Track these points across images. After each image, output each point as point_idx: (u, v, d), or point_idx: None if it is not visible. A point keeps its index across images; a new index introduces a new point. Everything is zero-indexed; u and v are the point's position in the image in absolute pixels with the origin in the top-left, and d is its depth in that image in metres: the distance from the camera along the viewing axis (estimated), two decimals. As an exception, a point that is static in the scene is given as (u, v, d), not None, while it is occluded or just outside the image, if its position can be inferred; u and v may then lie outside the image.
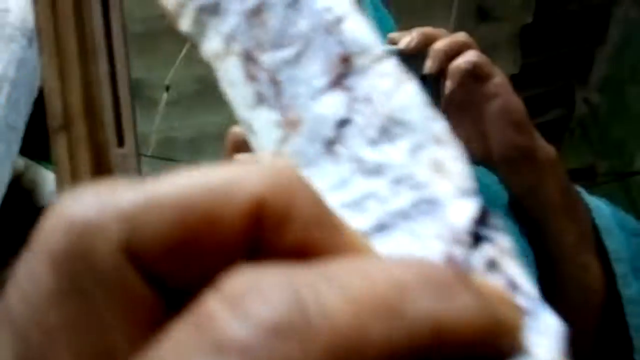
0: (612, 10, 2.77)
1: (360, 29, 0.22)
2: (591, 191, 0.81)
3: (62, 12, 0.44)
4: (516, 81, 0.71)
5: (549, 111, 3.01)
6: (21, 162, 0.63)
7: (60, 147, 0.45)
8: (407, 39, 0.67)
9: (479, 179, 0.63)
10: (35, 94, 0.56)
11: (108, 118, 0.46)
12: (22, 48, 0.53)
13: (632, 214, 0.81)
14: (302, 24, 0.21)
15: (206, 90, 2.38)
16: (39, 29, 0.44)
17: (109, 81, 0.45)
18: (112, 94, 0.45)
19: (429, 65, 0.66)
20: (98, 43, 0.45)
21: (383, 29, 0.85)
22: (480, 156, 0.71)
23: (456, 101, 0.68)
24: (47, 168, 0.61)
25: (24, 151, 0.61)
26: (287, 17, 0.22)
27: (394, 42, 0.68)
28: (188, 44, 2.05)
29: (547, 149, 0.72)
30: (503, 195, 0.77)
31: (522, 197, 0.74)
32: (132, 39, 2.14)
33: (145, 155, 2.37)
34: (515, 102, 0.69)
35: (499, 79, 0.68)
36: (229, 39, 0.22)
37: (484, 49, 0.70)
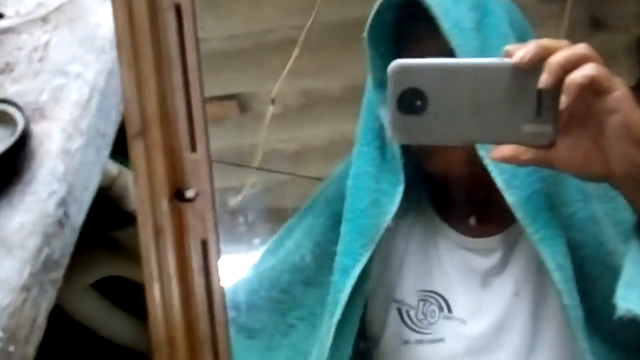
0: None
1: None
2: None
3: (139, 26, 0.47)
4: (634, 93, 0.68)
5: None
6: (114, 167, 0.68)
7: (137, 152, 0.49)
8: (522, 52, 0.65)
9: (610, 197, 0.61)
10: (125, 103, 0.60)
11: (182, 125, 0.48)
12: (112, 59, 0.57)
13: None
14: None
15: (311, 104, 2.43)
16: (118, 41, 0.48)
17: (183, 91, 0.48)
18: (185, 102, 0.48)
19: (543, 80, 0.64)
20: (172, 55, 0.48)
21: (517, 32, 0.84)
22: (600, 173, 0.68)
23: (574, 116, 0.66)
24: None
25: (117, 157, 0.65)
26: None
27: (508, 55, 0.67)
28: (293, 58, 2.11)
29: None
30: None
31: None
32: (238, 54, 2.23)
33: (252, 167, 2.43)
34: (638, 117, 0.66)
35: (619, 93, 0.65)
36: None
37: (597, 61, 0.68)
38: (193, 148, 0.49)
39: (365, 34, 0.83)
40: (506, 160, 0.69)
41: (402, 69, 0.67)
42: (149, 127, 0.48)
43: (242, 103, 2.41)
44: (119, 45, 0.48)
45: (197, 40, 0.47)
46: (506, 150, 0.68)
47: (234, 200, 2.48)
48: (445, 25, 0.79)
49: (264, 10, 2.10)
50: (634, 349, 0.76)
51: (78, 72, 0.57)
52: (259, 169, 2.35)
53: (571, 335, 0.77)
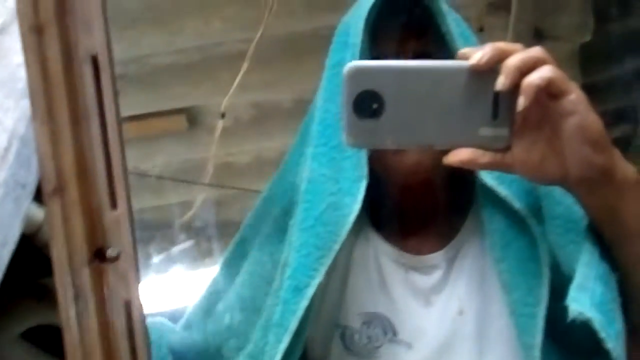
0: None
1: None
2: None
3: (53, 78, 0.44)
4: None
5: (614, 129, 2.93)
6: (40, 212, 0.65)
7: (54, 211, 0.46)
8: (479, 54, 0.64)
9: (559, 200, 0.61)
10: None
11: (101, 181, 0.46)
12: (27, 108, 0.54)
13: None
14: None
15: (261, 117, 2.41)
16: (31, 94, 0.45)
17: (102, 145, 0.46)
18: (104, 157, 0.46)
19: (501, 82, 0.63)
20: (89, 108, 0.45)
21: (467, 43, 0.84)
22: (556, 176, 0.68)
23: (530, 119, 0.66)
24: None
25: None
26: None
27: (465, 58, 0.66)
28: (243, 72, 2.08)
29: (627, 169, 0.68)
30: (584, 217, 0.74)
31: (599, 219, 0.71)
32: (188, 68, 2.20)
33: (203, 184, 2.40)
34: (593, 119, 0.65)
35: (575, 96, 0.65)
36: None
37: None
38: (113, 205, 0.46)
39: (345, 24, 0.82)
40: (464, 164, 0.68)
41: (359, 71, 0.66)
42: (65, 184, 0.45)
43: (191, 117, 2.38)
44: (32, 98, 0.45)
45: (115, 92, 0.45)
46: (463, 153, 0.67)
47: (184, 216, 2.44)
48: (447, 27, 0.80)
49: (213, 24, 2.07)
50: (579, 351, 0.76)
51: (-4, 118, 0.54)
52: (209, 185, 2.32)
53: (518, 353, 0.76)
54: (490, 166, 0.68)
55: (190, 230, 2.46)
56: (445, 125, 0.66)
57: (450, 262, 0.85)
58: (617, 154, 0.68)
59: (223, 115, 2.24)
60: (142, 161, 2.40)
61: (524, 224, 0.78)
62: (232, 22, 2.06)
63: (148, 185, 2.46)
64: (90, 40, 0.44)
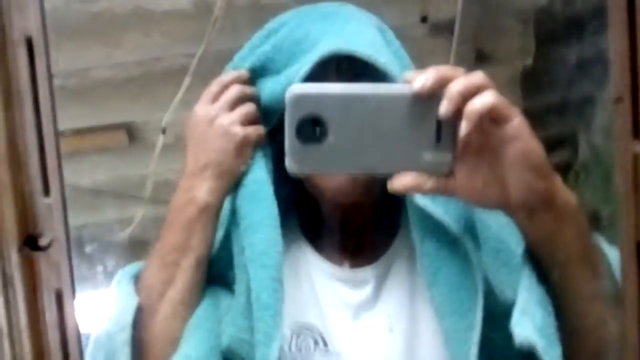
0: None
1: None
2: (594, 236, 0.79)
3: (-15, 58, 0.43)
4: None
5: (553, 154, 2.99)
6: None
7: (-17, 196, 0.44)
8: (422, 79, 0.65)
9: (490, 222, 0.61)
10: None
11: (33, 166, 0.45)
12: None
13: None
14: None
15: (203, 133, 2.39)
16: (-39, 75, 0.44)
17: (35, 128, 0.45)
18: (37, 141, 0.45)
19: (444, 108, 0.64)
20: (23, 90, 0.44)
21: (400, 62, 0.84)
22: (498, 201, 0.68)
23: (473, 144, 0.66)
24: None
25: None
26: None
27: (408, 82, 0.66)
28: (184, 88, 2.07)
29: (567, 196, 0.69)
30: (516, 239, 0.74)
31: (539, 244, 0.72)
32: (127, 82, 2.17)
33: (142, 198, 2.37)
34: (535, 145, 0.66)
35: (517, 121, 0.66)
36: None
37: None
38: (46, 191, 0.45)
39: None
40: (408, 189, 0.68)
41: (301, 96, 0.66)
42: (-4, 168, 0.44)
43: (131, 132, 2.35)
44: (-38, 78, 0.44)
45: (50, 75, 0.44)
46: (407, 179, 0.67)
47: (123, 233, 2.40)
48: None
49: (153, 38, 2.05)
50: None
51: None
52: (148, 200, 2.29)
53: (457, 355, 0.76)
54: (433, 191, 0.69)
55: (129, 246, 2.42)
56: (389, 150, 0.67)
57: (381, 278, 0.85)
58: (557, 179, 0.70)
59: (164, 131, 2.22)
60: (81, 176, 2.35)
61: (457, 247, 0.78)
62: (173, 36, 2.05)
63: (86, 200, 2.41)
64: (25, 21, 0.43)
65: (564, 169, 2.99)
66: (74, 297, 0.46)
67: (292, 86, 0.66)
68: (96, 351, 0.78)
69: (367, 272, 0.85)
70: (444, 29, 2.22)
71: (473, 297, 0.76)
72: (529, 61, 2.40)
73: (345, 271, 0.86)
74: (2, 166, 0.44)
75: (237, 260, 0.81)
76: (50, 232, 0.45)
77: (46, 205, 0.45)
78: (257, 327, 0.75)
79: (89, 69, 2.04)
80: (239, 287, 0.80)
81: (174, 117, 2.14)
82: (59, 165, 0.45)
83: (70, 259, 0.46)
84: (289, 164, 0.66)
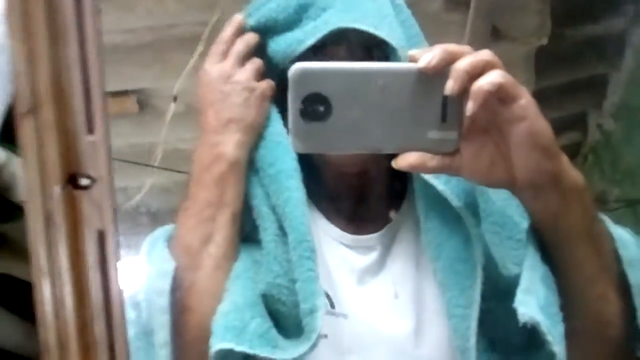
0: (628, 36, 2.76)
1: None
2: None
3: (32, -7, 0.43)
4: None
5: (562, 135, 2.99)
6: (1, 154, 0.62)
7: (27, 132, 0.44)
8: (428, 56, 0.64)
9: (494, 197, 0.61)
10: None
11: (77, 104, 0.44)
12: (1, 34, 0.52)
13: (643, 241, 0.77)
14: None
15: (215, 102, 2.38)
16: (8, 10, 0.43)
17: (79, 66, 0.44)
18: (82, 79, 0.44)
19: (450, 86, 0.63)
20: (69, 26, 0.43)
21: (407, 32, 0.84)
22: (504, 180, 0.68)
23: (479, 123, 0.66)
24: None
25: (4, 143, 0.60)
26: None
27: (414, 60, 0.66)
28: (196, 56, 2.06)
29: (573, 175, 0.69)
30: (520, 214, 0.75)
31: (544, 223, 0.72)
32: (139, 49, 2.15)
33: (152, 166, 2.36)
34: (543, 125, 0.66)
35: (525, 101, 0.65)
36: None
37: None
38: (90, 130, 0.45)
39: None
40: (412, 168, 0.68)
41: (305, 73, 0.65)
42: (41, 104, 0.43)
43: (142, 99, 2.33)
44: (9, 14, 0.43)
45: (96, 10, 0.43)
46: (412, 157, 0.67)
47: (131, 200, 2.40)
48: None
49: (167, 4, 2.03)
50: (515, 348, 0.77)
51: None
52: (158, 167, 2.28)
53: (453, 334, 0.77)
54: (438, 170, 0.68)
55: (136, 214, 2.42)
56: (394, 128, 0.66)
57: (386, 246, 0.85)
58: (565, 159, 0.69)
59: (175, 99, 2.21)
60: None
61: (460, 223, 0.78)
62: (187, 3, 2.03)
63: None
64: (73, -46, 0.42)
65: (573, 151, 3.00)
66: (117, 238, 0.46)
67: (296, 64, 0.66)
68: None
69: (373, 239, 0.86)
70: (460, 3, 2.20)
71: (473, 273, 0.76)
72: (545, 41, 2.38)
73: (351, 237, 0.86)
74: (47, 103, 0.44)
75: (260, 209, 0.81)
76: (93, 171, 0.45)
77: (90, 144, 0.45)
78: (299, 270, 0.76)
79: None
80: (267, 234, 0.80)
81: (186, 85, 2.13)
82: (104, 103, 0.44)
83: (113, 198, 0.45)
84: (293, 142, 0.66)
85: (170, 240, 0.82)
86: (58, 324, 0.46)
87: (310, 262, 0.77)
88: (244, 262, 0.81)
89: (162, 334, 0.75)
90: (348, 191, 0.87)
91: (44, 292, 0.45)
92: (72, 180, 0.44)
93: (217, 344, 0.74)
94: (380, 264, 0.85)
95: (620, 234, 0.77)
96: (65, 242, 0.44)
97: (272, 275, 0.78)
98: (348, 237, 0.86)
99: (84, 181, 0.44)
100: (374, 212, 0.88)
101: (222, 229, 0.80)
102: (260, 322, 0.77)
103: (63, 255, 0.45)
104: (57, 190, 0.44)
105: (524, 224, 0.75)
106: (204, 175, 0.81)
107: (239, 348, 0.74)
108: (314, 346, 0.74)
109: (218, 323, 0.75)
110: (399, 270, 0.84)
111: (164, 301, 0.76)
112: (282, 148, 0.81)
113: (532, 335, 0.70)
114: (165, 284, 0.76)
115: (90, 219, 0.45)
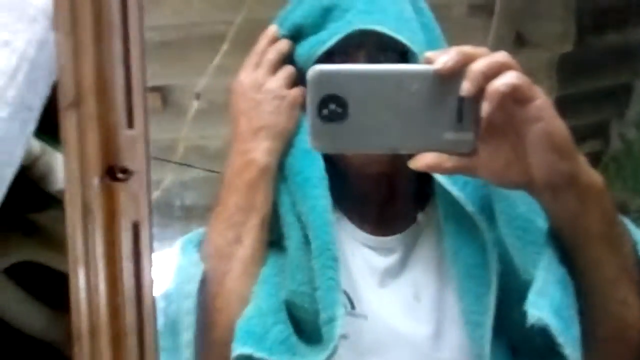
0: (653, 44, 2.73)
1: None
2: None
3: (79, -11, 0.44)
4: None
5: (584, 144, 2.97)
6: (38, 145, 0.63)
7: (69, 124, 0.45)
8: (444, 58, 0.64)
9: (518, 201, 0.61)
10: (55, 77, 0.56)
11: (119, 98, 0.45)
12: (44, 29, 0.54)
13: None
14: None
15: (237, 100, 2.39)
16: (55, 3, 0.44)
17: (122, 61, 0.45)
18: (124, 74, 0.45)
19: (466, 88, 0.63)
20: (113, 22, 0.45)
21: (429, 35, 0.85)
22: (520, 181, 0.68)
23: (495, 124, 0.66)
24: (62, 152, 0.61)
25: (42, 135, 0.61)
26: None
27: (430, 61, 0.66)
28: (220, 54, 2.07)
29: (592, 176, 0.69)
30: (542, 218, 0.74)
31: (562, 225, 0.72)
32: (164, 46, 2.17)
33: (172, 162, 2.38)
34: (559, 126, 0.66)
35: (541, 102, 0.65)
36: None
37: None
38: (130, 124, 0.46)
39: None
40: (429, 169, 0.68)
41: (322, 75, 0.66)
42: (83, 98, 0.45)
43: (165, 96, 2.35)
44: (55, 7, 0.44)
45: (141, 7, 0.44)
46: (429, 158, 0.68)
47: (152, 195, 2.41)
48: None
49: (193, 3, 2.05)
50: (536, 354, 0.76)
51: (6, 40, 0.53)
52: (179, 163, 2.30)
53: (469, 340, 0.77)
54: (455, 170, 0.69)
55: (156, 209, 2.43)
56: (410, 129, 0.67)
57: (408, 247, 0.86)
58: (582, 160, 0.69)
59: (198, 97, 2.23)
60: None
61: (476, 229, 0.78)
62: (213, 2, 2.04)
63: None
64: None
65: (595, 160, 2.98)
66: (151, 230, 0.47)
67: (314, 66, 0.67)
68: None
69: (395, 241, 0.86)
70: (484, 9, 2.19)
71: (488, 280, 0.77)
72: (569, 48, 2.37)
73: (373, 238, 0.86)
74: (89, 96, 0.45)
75: (286, 217, 0.82)
76: (132, 164, 0.46)
77: (129, 137, 0.46)
78: (321, 278, 0.77)
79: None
80: (291, 242, 0.81)
81: (209, 83, 2.14)
82: (144, 98, 0.45)
83: (149, 192, 0.46)
84: (312, 141, 0.67)
85: (201, 243, 0.83)
86: (91, 311, 0.47)
87: (332, 271, 0.78)
88: (270, 268, 0.82)
89: (187, 335, 0.76)
90: (370, 193, 0.88)
91: (79, 279, 0.46)
92: (110, 173, 0.46)
93: (238, 349, 0.75)
94: (401, 266, 0.85)
95: None
96: (101, 233, 0.46)
97: (296, 283, 0.79)
98: (370, 239, 0.86)
99: (121, 174, 0.45)
100: (396, 213, 0.88)
101: (251, 233, 0.81)
102: (281, 329, 0.78)
103: (99, 245, 0.46)
104: (95, 181, 0.45)
105: (546, 227, 0.75)
106: (234, 180, 0.82)
107: (258, 355, 0.75)
108: (332, 354, 0.75)
109: (241, 327, 0.77)
110: (420, 273, 0.84)
111: (190, 303, 0.77)
112: (310, 156, 0.82)
113: (549, 340, 0.69)
114: (193, 288, 0.78)
115: (126, 210, 0.46)
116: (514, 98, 0.65)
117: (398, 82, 0.66)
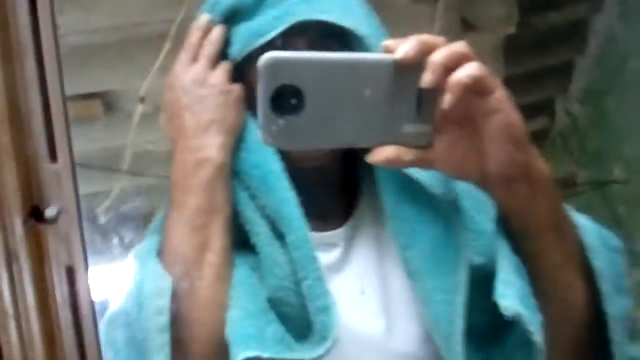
0: (591, 22, 2.81)
1: None
2: (571, 200, 0.79)
3: (-18, 7, 0.38)
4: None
5: (531, 122, 3.03)
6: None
7: (-19, 161, 0.39)
8: (405, 47, 0.62)
9: (463, 196, 0.58)
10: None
11: (37, 128, 0.39)
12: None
13: (610, 223, 0.81)
14: None
15: (183, 102, 2.33)
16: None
17: (38, 86, 0.39)
18: (41, 100, 0.39)
19: (427, 79, 0.62)
20: (25, 44, 0.39)
21: (371, 22, 0.82)
22: (476, 173, 0.67)
23: (453, 115, 0.65)
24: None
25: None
26: None
27: (389, 50, 0.63)
28: (163, 55, 2.02)
29: (542, 166, 0.69)
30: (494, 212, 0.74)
31: (512, 214, 0.71)
32: (103, 49, 2.10)
33: (121, 171, 2.32)
34: (517, 118, 0.65)
35: (500, 94, 0.64)
36: None
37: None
38: (53, 156, 0.40)
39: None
40: (388, 162, 0.66)
41: (277, 63, 0.60)
42: (-5, 129, 0.39)
43: (107, 102, 2.28)
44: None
45: (54, 27, 0.39)
46: (388, 152, 0.65)
47: (101, 207, 2.35)
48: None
49: (131, 2, 1.99)
50: (493, 341, 0.77)
51: None
52: (127, 172, 2.24)
53: (435, 320, 0.76)
54: (413, 163, 0.67)
55: (107, 221, 2.37)
56: (368, 122, 0.63)
57: (349, 241, 0.84)
58: (534, 151, 0.69)
59: (142, 100, 2.16)
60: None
61: (436, 210, 0.78)
62: (152, 1, 1.99)
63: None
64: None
65: (542, 136, 3.03)
66: (86, 272, 0.41)
67: (266, 53, 0.61)
68: (113, 331, 0.75)
69: (335, 236, 0.84)
70: (428, -5, 2.19)
71: (454, 258, 0.76)
72: (512, 29, 2.41)
73: (313, 234, 0.84)
74: (3, 127, 0.39)
75: (246, 214, 0.79)
76: (58, 201, 0.40)
77: (53, 172, 0.40)
78: (306, 270, 0.75)
79: (63, 35, 1.96)
80: (259, 238, 0.78)
81: (153, 86, 2.08)
82: (67, 127, 0.39)
83: (81, 231, 0.41)
84: (264, 136, 0.61)
85: (161, 253, 0.78)
86: (27, 367, 0.42)
87: (315, 260, 0.75)
88: (241, 269, 0.78)
89: (162, 354, 0.71)
90: (307, 188, 0.85)
91: (10, 335, 0.41)
92: (35, 213, 0.40)
93: (240, 353, 0.71)
94: (343, 261, 0.83)
95: (583, 222, 0.78)
96: (31, 281, 0.40)
97: (276, 279, 0.76)
98: (310, 235, 0.84)
99: (48, 213, 0.40)
100: (334, 208, 0.86)
101: (218, 236, 0.77)
102: (276, 327, 0.75)
103: (29, 295, 0.40)
104: (18, 224, 0.39)
105: (482, 216, 0.75)
106: (189, 180, 0.78)
107: (266, 355, 0.71)
108: (334, 344, 0.73)
109: (236, 332, 0.73)
110: (363, 266, 0.83)
111: (163, 320, 0.72)
112: (265, 149, 0.78)
113: (499, 324, 0.70)
114: (164, 303, 0.72)
115: (56, 254, 0.40)
116: (475, 90, 0.63)
117: (357, 71, 0.62)
